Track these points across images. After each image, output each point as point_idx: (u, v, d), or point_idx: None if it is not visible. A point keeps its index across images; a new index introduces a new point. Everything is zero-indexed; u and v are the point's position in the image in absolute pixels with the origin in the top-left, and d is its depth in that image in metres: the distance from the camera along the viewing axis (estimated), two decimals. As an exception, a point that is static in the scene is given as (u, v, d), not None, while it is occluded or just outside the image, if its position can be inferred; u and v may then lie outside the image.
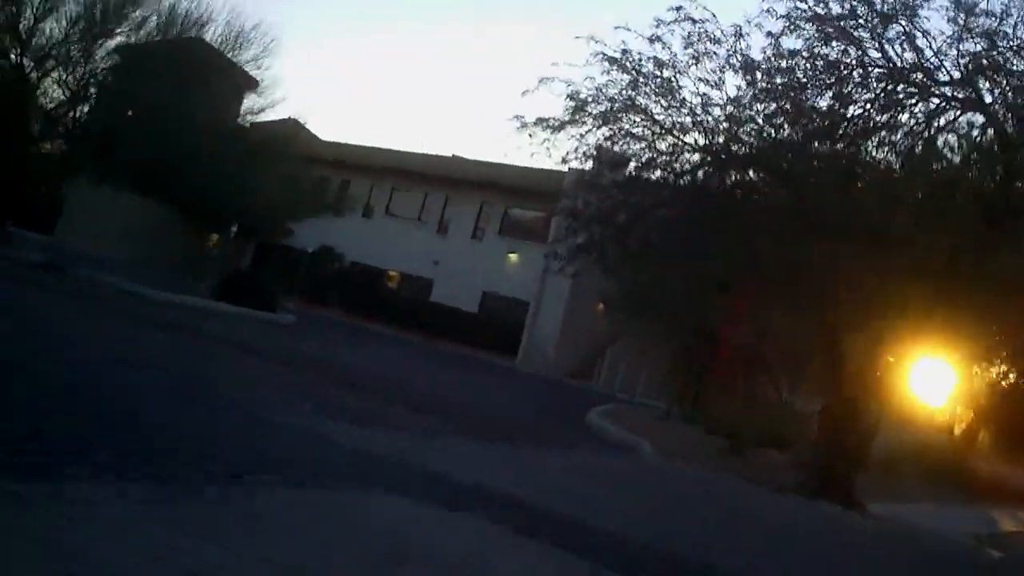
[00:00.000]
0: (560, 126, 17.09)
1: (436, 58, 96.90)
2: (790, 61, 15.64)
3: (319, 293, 45.21)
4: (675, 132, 16.96)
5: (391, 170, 47.10)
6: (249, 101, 34.12)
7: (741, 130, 16.18)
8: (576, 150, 17.67)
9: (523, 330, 40.25)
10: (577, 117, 17.08)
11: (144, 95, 27.93)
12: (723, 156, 17.08)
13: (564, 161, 18.26)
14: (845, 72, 15.63)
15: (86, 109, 30.22)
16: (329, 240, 46.79)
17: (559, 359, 40.18)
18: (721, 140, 16.66)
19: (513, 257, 43.37)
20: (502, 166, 42.64)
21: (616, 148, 18.25)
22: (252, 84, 33.43)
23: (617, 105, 16.87)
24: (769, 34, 15.57)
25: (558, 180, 37.78)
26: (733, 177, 17.23)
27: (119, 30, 28.37)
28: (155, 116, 27.82)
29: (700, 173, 17.21)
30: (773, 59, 15.71)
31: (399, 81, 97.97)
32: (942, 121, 15.76)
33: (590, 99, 16.77)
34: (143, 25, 28.61)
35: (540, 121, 17.12)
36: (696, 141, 16.81)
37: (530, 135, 17.01)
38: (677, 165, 17.14)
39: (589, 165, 19.29)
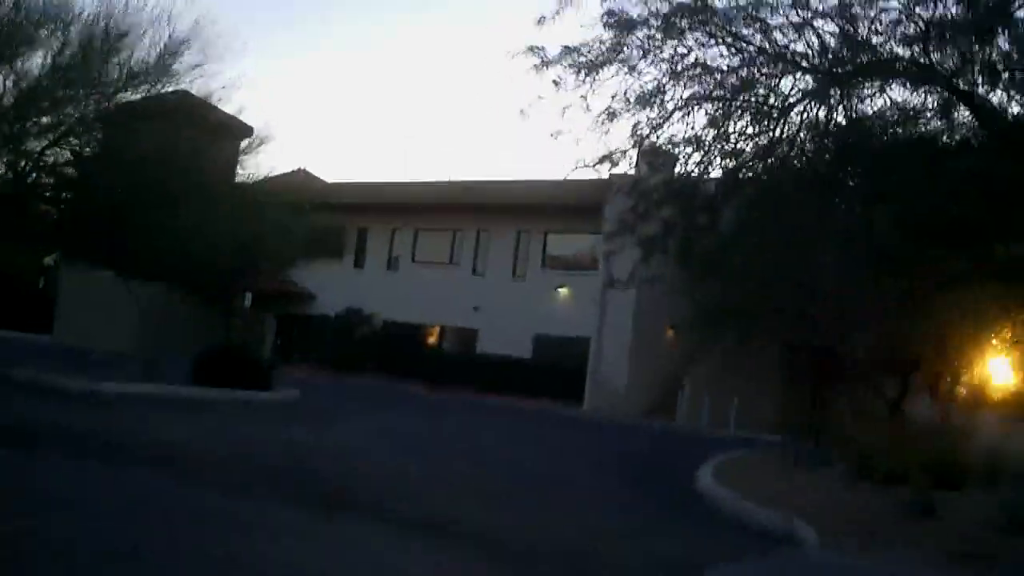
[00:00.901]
0: (597, 64, 11.77)
1: (430, 72, 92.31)
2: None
3: (350, 359, 40.05)
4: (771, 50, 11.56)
5: (410, 207, 41.99)
6: (244, 151, 29.03)
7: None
8: (626, 94, 12.15)
9: (585, 371, 34.64)
10: (621, 43, 11.69)
11: (137, 163, 23.01)
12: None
13: (609, 116, 12.78)
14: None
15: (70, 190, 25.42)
16: (355, 301, 41.71)
17: (631, 397, 34.53)
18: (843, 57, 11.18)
19: (563, 292, 37.90)
20: (535, 183, 37.41)
21: (682, 87, 12.73)
22: (245, 132, 28.43)
23: (682, 18, 11.44)
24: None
25: (602, 191, 32.57)
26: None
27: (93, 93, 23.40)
28: (150, 184, 22.97)
29: (816, 112, 11.93)
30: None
31: (392, 108, 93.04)
32: None
33: (638, 19, 11.43)
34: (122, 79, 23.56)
35: (568, 54, 11.73)
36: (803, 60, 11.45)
37: (556, 82, 11.66)
38: (777, 101, 11.85)
39: (646, 118, 13.73)
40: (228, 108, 25.07)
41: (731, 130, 15.20)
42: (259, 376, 19.98)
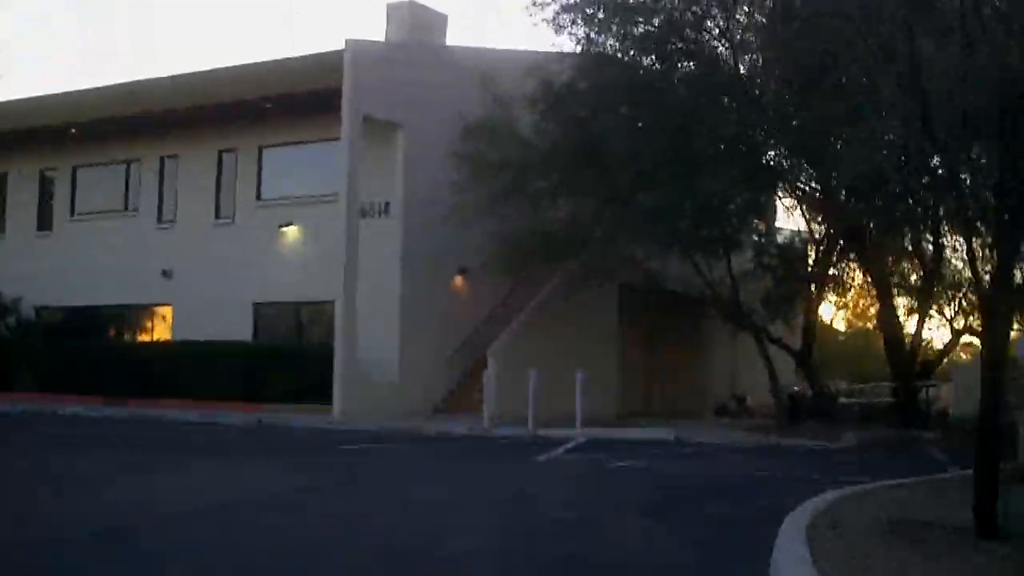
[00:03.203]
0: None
1: None
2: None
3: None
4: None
5: (64, 133, 27.68)
6: None
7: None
8: None
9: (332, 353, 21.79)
10: None
11: None
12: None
13: None
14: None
15: None
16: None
17: (409, 389, 22.21)
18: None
19: (291, 232, 24.93)
20: (241, 71, 24.14)
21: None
22: None
23: None
24: None
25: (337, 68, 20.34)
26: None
27: None
28: None
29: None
30: None
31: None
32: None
33: None
34: None
35: None
36: None
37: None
38: None
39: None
40: None
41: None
42: None
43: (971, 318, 22.39)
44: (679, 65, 19.40)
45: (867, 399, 23.74)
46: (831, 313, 24.08)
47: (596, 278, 21.88)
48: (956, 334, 23.53)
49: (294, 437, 17.35)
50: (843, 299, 26.29)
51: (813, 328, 23.06)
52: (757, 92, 18.60)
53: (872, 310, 23.82)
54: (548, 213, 21.42)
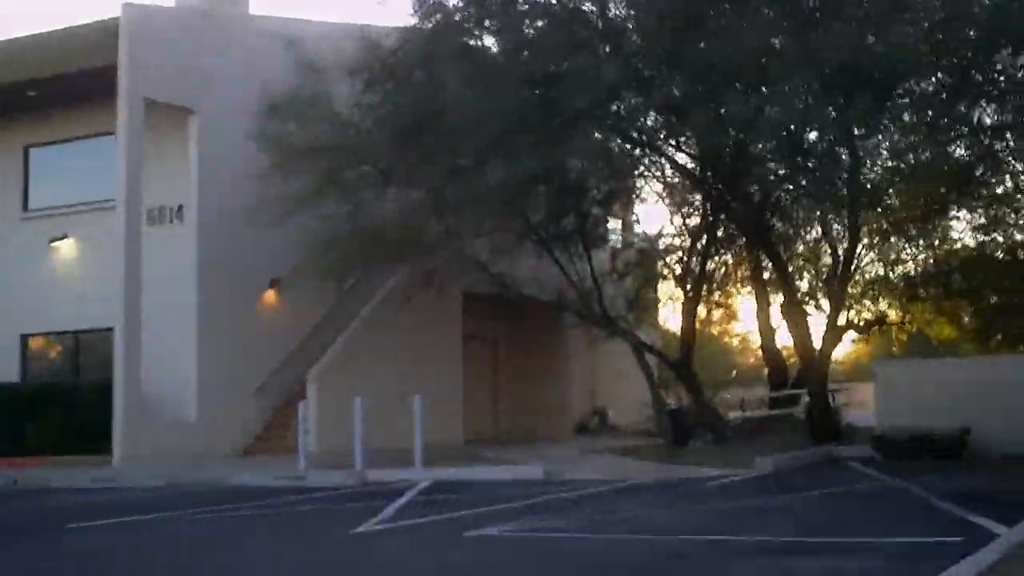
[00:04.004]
0: None
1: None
2: None
3: None
4: None
5: None
6: None
7: None
8: None
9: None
10: None
11: None
12: None
13: None
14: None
15: None
16: None
17: (212, 430, 18.30)
18: None
19: (65, 248, 20.64)
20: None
21: None
22: None
23: None
24: None
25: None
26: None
27: None
28: None
29: None
30: None
31: None
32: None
33: None
34: None
35: None
36: None
37: None
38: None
39: None
40: None
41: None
42: None
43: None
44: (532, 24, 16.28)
45: (749, 412, 20.83)
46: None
47: (435, 284, 18.55)
48: (866, 326, 20.94)
49: (37, 507, 13.15)
50: (725, 300, 23.34)
51: (692, 333, 20.01)
52: (631, 40, 15.64)
53: (756, 310, 21.21)
54: (375, 207, 17.87)
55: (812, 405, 17.50)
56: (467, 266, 18.51)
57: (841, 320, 18.59)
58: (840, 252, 17.88)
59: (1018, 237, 20.56)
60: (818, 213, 17.83)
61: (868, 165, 16.91)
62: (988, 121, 16.44)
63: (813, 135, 15.66)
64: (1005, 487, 11.62)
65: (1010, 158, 17.99)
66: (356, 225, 17.63)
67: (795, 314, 18.21)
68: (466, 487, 12.94)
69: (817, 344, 17.89)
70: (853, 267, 18.14)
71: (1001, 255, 20.56)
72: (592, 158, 15.67)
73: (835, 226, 18.40)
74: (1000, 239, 20.64)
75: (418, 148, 16.09)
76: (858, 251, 18.28)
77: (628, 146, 17.35)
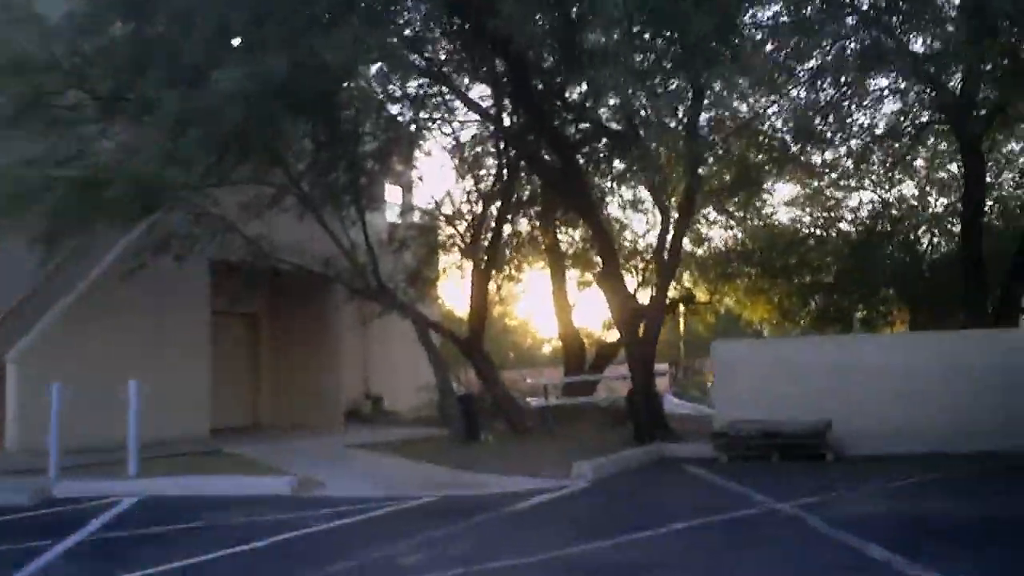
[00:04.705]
0: None
1: None
2: None
3: None
4: None
5: None
6: None
7: None
8: None
9: None
10: None
11: None
12: None
13: None
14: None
15: None
16: None
17: None
18: None
19: None
20: None
21: None
22: None
23: None
24: None
25: None
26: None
27: None
28: None
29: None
30: None
31: None
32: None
33: None
34: None
35: None
36: None
37: None
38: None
39: None
40: None
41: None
42: None
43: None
44: None
45: (554, 399, 18.47)
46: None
47: (173, 249, 15.21)
48: (672, 304, 19.05)
49: None
50: (518, 273, 20.94)
51: (483, 310, 17.43)
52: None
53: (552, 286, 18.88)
54: (93, 145, 14.21)
55: (635, 392, 15.14)
56: (213, 227, 15.24)
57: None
58: (673, 208, 15.75)
59: (832, 214, 19.34)
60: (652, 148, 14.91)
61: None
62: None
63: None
64: (936, 508, 8.89)
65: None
66: (66, 170, 13.91)
67: (615, 282, 15.89)
68: (181, 509, 9.71)
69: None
70: (686, 226, 16.00)
71: (816, 231, 19.32)
72: (357, 59, 12.34)
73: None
74: (814, 215, 19.39)
75: (140, 54, 12.57)
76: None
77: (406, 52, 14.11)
